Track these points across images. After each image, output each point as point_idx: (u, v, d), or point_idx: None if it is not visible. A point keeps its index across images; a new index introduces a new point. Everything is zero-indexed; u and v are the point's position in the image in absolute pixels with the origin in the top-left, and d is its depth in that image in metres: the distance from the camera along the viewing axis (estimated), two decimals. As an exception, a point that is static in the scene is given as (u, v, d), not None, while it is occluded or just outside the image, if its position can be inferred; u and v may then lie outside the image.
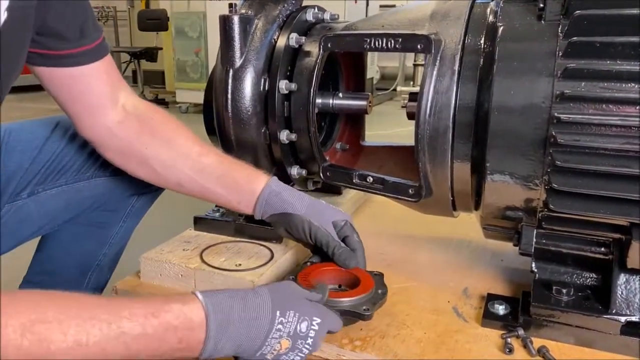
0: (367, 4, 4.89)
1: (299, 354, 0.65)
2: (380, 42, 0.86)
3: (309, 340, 0.66)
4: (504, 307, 0.81)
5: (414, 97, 0.84)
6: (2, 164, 0.90)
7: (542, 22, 0.74)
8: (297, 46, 0.98)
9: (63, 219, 1.00)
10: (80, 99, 0.86)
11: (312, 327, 0.66)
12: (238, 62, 0.95)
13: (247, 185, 0.89)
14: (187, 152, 0.90)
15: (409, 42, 0.84)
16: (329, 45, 0.92)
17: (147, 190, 1.08)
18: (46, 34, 0.79)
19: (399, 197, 0.91)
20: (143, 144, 0.89)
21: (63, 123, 0.99)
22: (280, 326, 0.63)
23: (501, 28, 0.76)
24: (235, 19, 0.93)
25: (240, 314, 0.62)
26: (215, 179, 0.89)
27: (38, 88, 1.01)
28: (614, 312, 0.75)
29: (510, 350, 0.74)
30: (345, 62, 1.15)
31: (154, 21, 5.94)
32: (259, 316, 0.63)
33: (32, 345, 0.50)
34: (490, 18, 0.81)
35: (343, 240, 0.87)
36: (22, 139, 0.94)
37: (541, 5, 0.74)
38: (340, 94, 1.07)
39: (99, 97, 0.87)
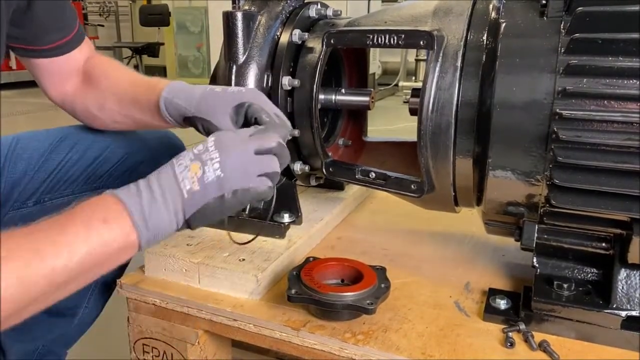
0: (369, 0, 4.88)
1: (214, 163, 0.65)
2: (383, 38, 0.87)
3: (212, 149, 0.66)
4: (505, 301, 0.82)
5: (416, 93, 0.84)
6: (8, 171, 0.92)
7: (545, 18, 0.74)
8: (300, 42, 0.98)
9: None
10: (52, 75, 0.96)
11: (208, 141, 0.68)
12: (241, 58, 0.95)
13: (147, 101, 0.89)
14: (110, 89, 0.96)
15: (411, 38, 0.85)
16: (332, 41, 0.92)
17: None
18: (30, 31, 0.88)
19: (401, 192, 0.92)
20: (84, 96, 0.98)
21: (71, 134, 1.01)
22: (180, 161, 0.66)
23: (503, 24, 0.76)
24: (239, 15, 0.94)
25: (145, 179, 0.65)
26: (130, 105, 0.93)
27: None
28: (614, 306, 0.75)
29: (512, 345, 0.74)
30: (347, 58, 1.16)
31: (156, 16, 5.95)
32: (162, 167, 0.67)
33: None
34: (493, 14, 0.82)
35: (255, 123, 0.77)
36: (29, 147, 0.96)
37: (544, 1, 0.74)
38: (343, 90, 1.08)
39: (68, 72, 0.97)
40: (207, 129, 0.79)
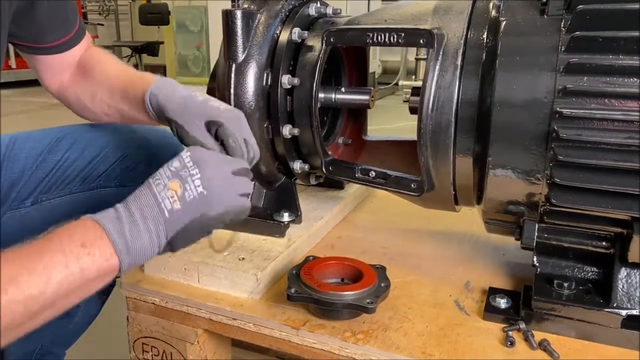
0: (369, -1, 4.89)
1: (195, 179, 0.64)
2: (382, 37, 0.87)
3: (190, 165, 0.65)
4: (505, 300, 0.82)
5: (416, 91, 0.84)
6: (5, 171, 0.92)
7: (545, 16, 0.74)
8: (299, 41, 0.98)
9: None
10: (52, 69, 0.98)
11: (184, 157, 0.66)
12: (241, 56, 0.95)
13: (135, 95, 0.88)
14: (103, 80, 0.96)
15: (411, 37, 0.85)
16: (332, 39, 0.92)
17: None
18: (32, 30, 0.89)
19: (401, 191, 0.91)
20: (77, 86, 0.98)
21: (69, 134, 1.01)
22: (157, 180, 0.64)
23: (504, 23, 0.76)
24: (238, 13, 0.93)
25: (123, 203, 0.63)
26: (120, 97, 0.92)
27: (39, 83, 1.02)
28: (614, 305, 0.75)
29: (512, 344, 0.74)
30: (347, 56, 1.15)
31: (155, 15, 5.95)
32: (139, 189, 0.64)
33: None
34: (493, 13, 0.81)
35: (222, 144, 0.77)
36: (26, 147, 0.97)
37: (544, 0, 0.74)
38: (343, 89, 1.07)
39: (67, 66, 0.99)
40: (180, 133, 0.79)
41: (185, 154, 0.67)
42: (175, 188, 0.63)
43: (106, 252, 0.59)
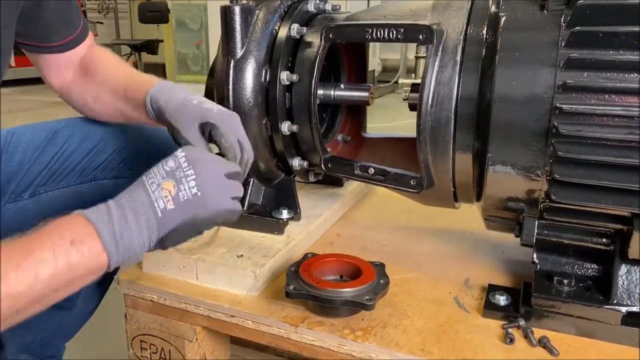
0: (369, -3, 4.88)
1: (190, 180, 0.65)
2: (382, 33, 0.86)
3: (185, 166, 0.65)
4: (505, 297, 0.82)
5: (416, 88, 0.84)
6: (4, 164, 0.92)
7: (545, 12, 0.74)
8: (298, 37, 0.97)
9: None
10: (55, 67, 0.98)
11: (179, 157, 0.66)
12: (239, 52, 0.94)
13: (136, 97, 0.90)
14: (106, 82, 0.96)
15: (410, 33, 0.84)
16: (331, 35, 0.92)
17: None
18: (39, 29, 0.90)
19: (401, 188, 0.91)
20: (81, 87, 0.98)
21: (66, 126, 1.01)
22: (151, 178, 0.64)
23: (503, 18, 0.76)
24: (237, 9, 0.93)
25: (116, 199, 0.63)
26: (122, 99, 0.93)
27: (38, 81, 1.03)
28: (614, 302, 0.75)
29: (511, 341, 0.74)
30: (346, 53, 1.15)
31: (155, 13, 5.94)
32: (132, 186, 0.64)
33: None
34: (493, 8, 0.81)
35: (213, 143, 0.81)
36: (24, 140, 0.97)
37: (544, -5, 0.74)
38: (342, 85, 1.07)
39: (71, 64, 0.99)
40: (175, 136, 0.82)
41: (181, 153, 0.67)
42: (169, 188, 0.64)
43: (95, 250, 0.59)
